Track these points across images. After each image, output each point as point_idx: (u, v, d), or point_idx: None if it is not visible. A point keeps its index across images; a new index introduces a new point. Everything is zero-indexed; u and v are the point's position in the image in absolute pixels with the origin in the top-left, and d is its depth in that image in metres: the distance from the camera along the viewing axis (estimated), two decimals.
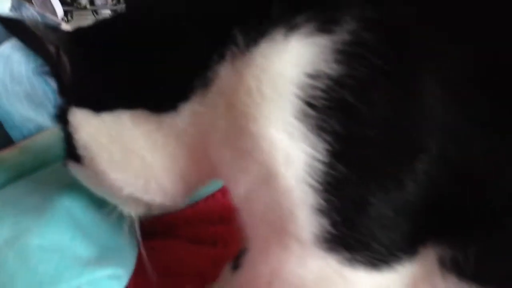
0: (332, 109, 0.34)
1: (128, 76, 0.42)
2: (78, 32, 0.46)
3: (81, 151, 0.44)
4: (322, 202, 0.35)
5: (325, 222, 0.35)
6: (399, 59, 0.34)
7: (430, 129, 0.35)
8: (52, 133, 0.76)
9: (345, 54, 0.34)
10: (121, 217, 0.55)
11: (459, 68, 0.35)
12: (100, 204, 0.54)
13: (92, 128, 0.43)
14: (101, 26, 0.47)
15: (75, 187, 0.53)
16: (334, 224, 0.35)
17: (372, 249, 0.37)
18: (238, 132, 0.36)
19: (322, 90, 0.33)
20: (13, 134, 0.76)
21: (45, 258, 0.45)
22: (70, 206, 0.51)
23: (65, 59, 0.44)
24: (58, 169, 0.58)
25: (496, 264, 0.37)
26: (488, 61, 0.35)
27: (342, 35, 0.34)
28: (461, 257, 0.36)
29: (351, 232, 0.36)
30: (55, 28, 0.46)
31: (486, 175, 0.35)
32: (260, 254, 0.41)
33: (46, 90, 0.81)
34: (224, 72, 0.37)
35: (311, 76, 0.34)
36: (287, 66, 0.35)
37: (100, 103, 0.43)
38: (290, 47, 0.35)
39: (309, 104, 0.34)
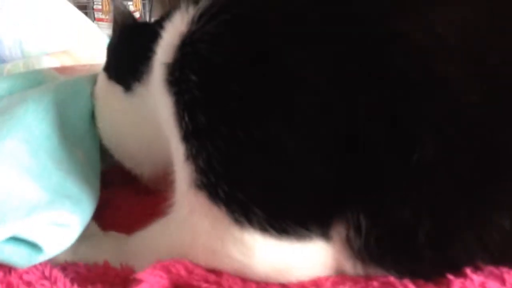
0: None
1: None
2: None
3: None
4: (188, 148, 0.37)
5: (192, 168, 0.37)
6: None
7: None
8: None
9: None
10: (82, 163, 0.53)
11: None
12: (55, 150, 0.51)
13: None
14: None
15: (21, 130, 0.50)
16: (201, 171, 0.36)
17: (251, 208, 0.35)
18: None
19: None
20: None
21: None
22: (14, 149, 0.47)
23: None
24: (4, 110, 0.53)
25: (381, 244, 0.35)
26: None
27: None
28: (353, 233, 0.35)
29: (222, 183, 0.36)
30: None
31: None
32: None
33: None
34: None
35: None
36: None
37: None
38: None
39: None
